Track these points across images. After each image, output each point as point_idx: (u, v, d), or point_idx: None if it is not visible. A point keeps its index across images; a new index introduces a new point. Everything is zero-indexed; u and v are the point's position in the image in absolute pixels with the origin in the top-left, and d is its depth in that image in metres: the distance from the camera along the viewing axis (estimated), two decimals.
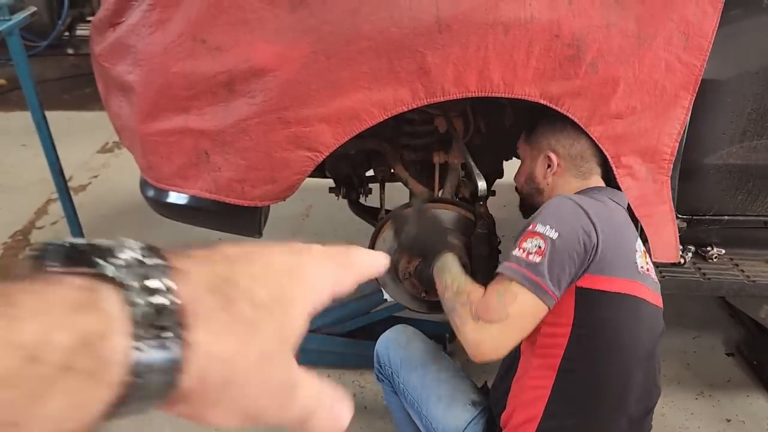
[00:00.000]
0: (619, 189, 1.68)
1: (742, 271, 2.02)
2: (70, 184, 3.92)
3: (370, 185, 2.43)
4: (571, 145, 1.65)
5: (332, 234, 3.50)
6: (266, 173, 1.68)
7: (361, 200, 2.46)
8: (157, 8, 1.60)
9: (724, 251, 2.06)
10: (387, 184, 2.34)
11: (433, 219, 1.80)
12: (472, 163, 1.84)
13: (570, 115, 1.60)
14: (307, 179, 1.75)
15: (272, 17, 1.52)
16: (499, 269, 1.44)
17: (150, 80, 1.66)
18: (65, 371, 0.30)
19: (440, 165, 2.09)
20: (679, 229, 1.88)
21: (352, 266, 0.48)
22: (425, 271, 1.72)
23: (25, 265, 0.34)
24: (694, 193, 1.90)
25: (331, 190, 2.39)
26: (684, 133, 1.73)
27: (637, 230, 1.68)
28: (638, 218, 1.73)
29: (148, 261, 0.35)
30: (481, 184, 1.77)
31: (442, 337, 2.43)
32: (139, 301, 0.33)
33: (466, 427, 1.63)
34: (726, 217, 1.95)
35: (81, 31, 6.80)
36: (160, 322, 0.33)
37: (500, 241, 1.91)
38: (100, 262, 0.34)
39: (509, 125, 2.06)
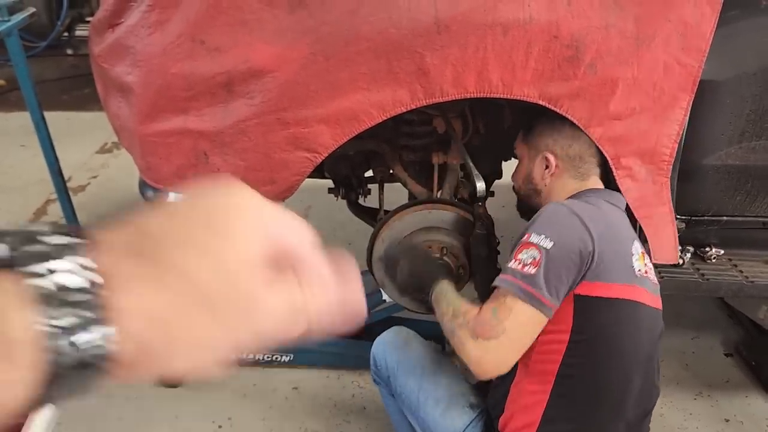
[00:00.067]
0: (618, 190, 1.68)
1: (741, 271, 2.02)
2: (69, 184, 3.92)
3: (369, 186, 2.43)
4: (569, 145, 1.64)
5: (332, 234, 3.50)
6: (265, 174, 1.68)
7: (360, 201, 2.46)
8: (155, 9, 1.60)
9: (722, 252, 2.06)
10: (386, 185, 2.34)
11: (422, 251, 1.82)
12: (471, 164, 1.84)
13: (569, 117, 1.60)
14: (307, 180, 1.75)
15: (271, 18, 1.52)
16: (496, 282, 1.45)
17: (149, 81, 1.66)
18: None
19: (439, 166, 2.09)
20: (678, 230, 1.88)
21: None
22: (426, 302, 1.72)
23: None
24: (693, 193, 1.90)
25: (330, 190, 2.39)
26: (683, 134, 1.73)
27: (636, 231, 1.68)
28: (638, 220, 1.73)
29: (56, 240, 0.35)
30: (480, 185, 1.77)
31: (441, 338, 2.43)
32: (43, 281, 0.33)
33: (464, 430, 1.63)
34: (725, 218, 1.95)
35: (80, 31, 6.79)
36: (73, 298, 0.33)
37: (499, 242, 1.91)
38: None
39: (508, 126, 2.06)
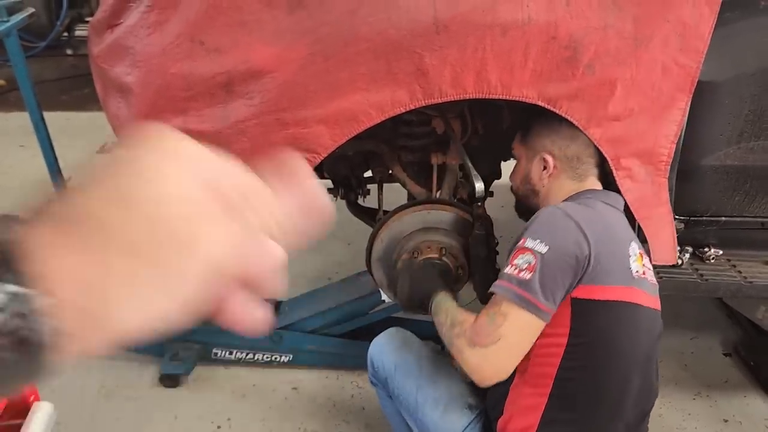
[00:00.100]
0: (617, 190, 1.68)
1: (740, 272, 2.02)
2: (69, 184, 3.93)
3: (368, 186, 2.43)
4: (566, 146, 1.64)
5: (331, 235, 3.49)
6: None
7: (360, 201, 2.46)
8: (155, 10, 1.60)
9: (721, 252, 2.06)
10: (385, 185, 2.34)
11: (420, 268, 1.83)
12: (470, 165, 1.84)
13: (568, 117, 1.60)
14: None
15: (270, 19, 1.52)
16: (492, 288, 1.45)
17: (148, 81, 1.66)
18: None
19: (438, 166, 2.09)
20: (677, 231, 1.88)
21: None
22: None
23: None
24: (692, 194, 1.90)
25: (329, 190, 2.39)
26: (681, 134, 1.74)
27: (635, 231, 1.68)
28: (638, 220, 1.73)
29: None
30: (479, 186, 1.77)
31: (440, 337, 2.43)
32: None
33: (463, 431, 1.63)
34: (723, 219, 1.95)
35: (80, 31, 6.79)
36: None
37: (498, 242, 1.91)
38: None
39: (507, 126, 2.06)
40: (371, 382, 1.92)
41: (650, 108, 1.66)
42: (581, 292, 1.40)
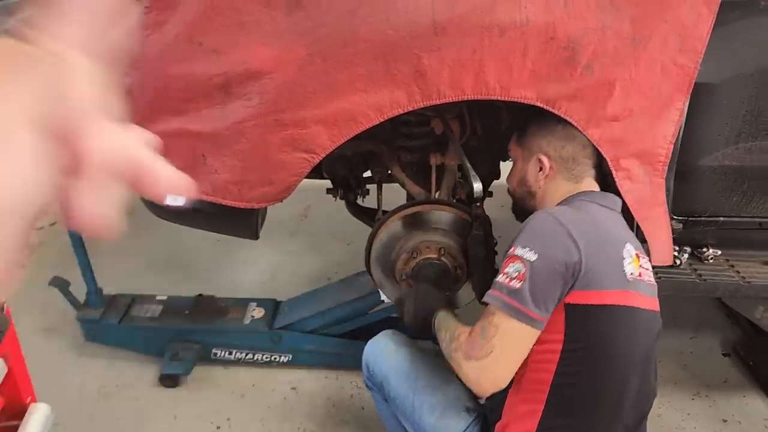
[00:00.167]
0: (615, 191, 1.68)
1: (738, 272, 2.03)
2: None
3: (368, 186, 2.44)
4: (562, 147, 1.64)
5: (330, 234, 3.50)
6: (263, 175, 1.68)
7: (359, 201, 2.46)
8: (153, 11, 1.60)
9: (719, 252, 2.06)
10: (384, 185, 2.35)
11: (424, 291, 1.84)
12: (468, 165, 1.84)
13: (567, 118, 1.60)
14: (305, 180, 1.75)
15: (269, 20, 1.52)
16: (485, 298, 1.46)
17: (146, 82, 1.66)
18: None
19: (437, 166, 2.09)
20: (675, 231, 1.89)
21: None
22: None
23: None
24: (690, 194, 1.90)
25: (328, 191, 2.40)
26: (680, 134, 1.74)
27: (634, 231, 1.68)
28: (637, 221, 1.73)
29: None
30: (477, 186, 1.77)
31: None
32: None
33: None
34: (721, 219, 1.95)
35: None
36: None
37: (497, 242, 1.91)
38: None
39: (505, 127, 2.06)
40: (366, 386, 1.91)
41: (649, 108, 1.66)
42: (574, 298, 1.39)
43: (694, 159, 1.83)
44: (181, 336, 2.50)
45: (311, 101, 1.57)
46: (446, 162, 2.08)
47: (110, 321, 2.52)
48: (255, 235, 1.95)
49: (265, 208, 1.93)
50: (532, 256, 1.39)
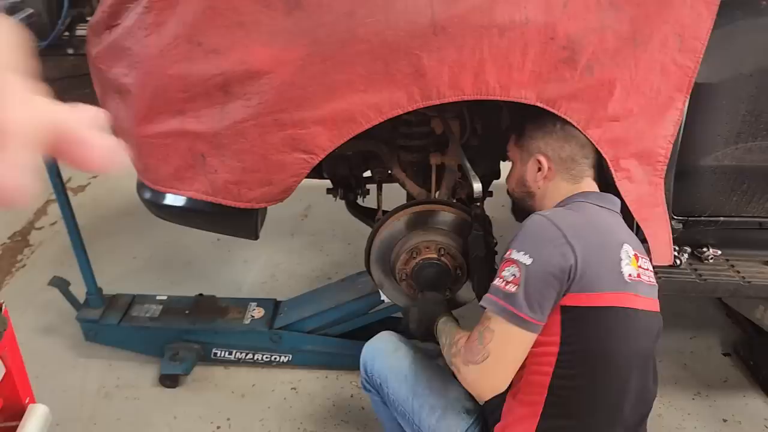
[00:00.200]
0: (615, 190, 1.68)
1: (738, 272, 2.02)
2: (69, 184, 3.94)
3: (368, 186, 2.44)
4: (560, 147, 1.63)
5: (331, 234, 3.50)
6: (262, 175, 1.68)
7: (359, 201, 2.46)
8: (152, 11, 1.60)
9: (720, 252, 2.06)
10: (384, 185, 2.35)
11: (428, 301, 1.85)
12: (468, 165, 1.84)
13: (567, 118, 1.59)
14: (306, 180, 1.75)
15: (268, 20, 1.52)
16: (482, 302, 1.47)
17: (146, 82, 1.66)
18: None
19: (437, 166, 2.09)
20: (675, 231, 1.88)
21: None
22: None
23: None
24: (690, 194, 1.90)
25: (328, 191, 2.40)
26: (679, 134, 1.74)
27: (634, 231, 1.68)
28: (638, 221, 1.73)
29: None
30: (477, 186, 1.77)
31: None
32: None
33: None
34: (721, 219, 1.95)
35: (81, 31, 6.73)
36: None
37: (497, 242, 1.91)
38: None
39: (506, 127, 2.06)
40: (364, 388, 1.90)
41: (649, 108, 1.66)
42: (570, 300, 1.39)
43: (694, 159, 1.82)
44: (181, 336, 2.50)
45: (310, 102, 1.56)
46: (446, 162, 2.08)
47: (110, 321, 2.52)
48: (255, 236, 1.95)
49: (265, 208, 1.92)
50: (527, 259, 1.40)
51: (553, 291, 1.38)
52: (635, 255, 1.50)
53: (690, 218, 1.95)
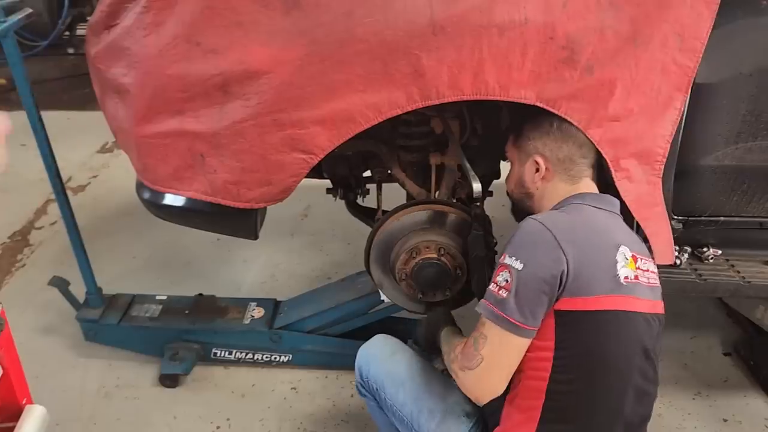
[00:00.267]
0: (614, 191, 1.67)
1: (738, 272, 2.02)
2: (69, 184, 3.94)
3: (368, 186, 2.43)
4: (558, 147, 1.62)
5: (330, 234, 3.50)
6: (261, 175, 1.68)
7: (359, 201, 2.46)
8: (151, 11, 1.60)
9: (720, 252, 2.05)
10: (384, 185, 2.34)
11: (432, 315, 1.87)
12: (467, 165, 1.84)
13: (568, 118, 1.59)
14: (305, 180, 1.75)
15: (266, 20, 1.52)
16: (477, 308, 1.48)
17: (145, 82, 1.66)
18: None
19: (437, 166, 2.09)
20: (676, 231, 1.88)
21: None
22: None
23: None
24: (690, 194, 1.89)
25: (328, 191, 2.40)
26: (679, 134, 1.73)
27: (634, 230, 1.67)
28: (639, 221, 1.72)
29: None
30: (477, 186, 1.77)
31: None
32: None
33: None
34: (722, 219, 1.95)
35: (81, 30, 6.78)
36: None
37: (497, 242, 1.90)
38: None
39: (506, 126, 2.06)
40: (360, 393, 1.87)
41: (649, 108, 1.65)
42: (564, 304, 1.38)
43: (695, 159, 1.82)
44: (181, 336, 2.50)
45: (309, 101, 1.56)
46: (446, 162, 2.07)
47: (110, 321, 2.51)
48: (254, 236, 1.95)
49: (265, 208, 1.92)
50: (518, 265, 1.39)
51: (545, 296, 1.37)
52: (633, 256, 1.48)
53: (690, 218, 1.95)
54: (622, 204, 1.66)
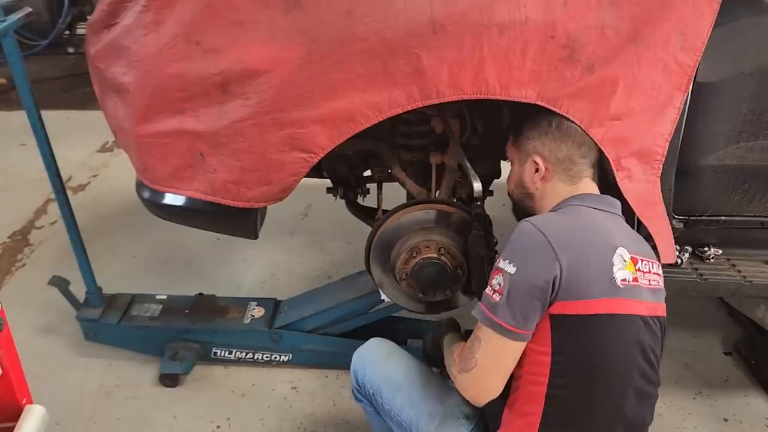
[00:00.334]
0: (614, 191, 1.66)
1: (739, 271, 2.02)
2: (69, 183, 3.95)
3: (368, 185, 2.43)
4: (557, 147, 1.60)
5: (331, 233, 3.50)
6: (261, 175, 1.68)
7: (359, 200, 2.46)
8: (151, 10, 1.60)
9: (721, 252, 2.05)
10: (384, 184, 2.34)
11: (436, 326, 1.87)
12: (468, 164, 1.83)
13: (570, 117, 1.58)
14: (306, 179, 1.75)
15: (266, 19, 1.52)
16: (473, 311, 1.47)
17: (144, 82, 1.66)
18: None
19: (437, 165, 2.08)
20: (677, 230, 1.88)
21: None
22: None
23: None
24: (691, 193, 1.89)
25: (328, 190, 2.39)
26: (680, 133, 1.73)
27: (634, 229, 1.66)
28: (641, 220, 1.72)
29: None
30: (477, 185, 1.77)
31: None
32: None
33: None
34: (723, 218, 1.95)
35: (81, 29, 6.78)
36: None
37: (497, 242, 1.90)
38: None
39: (507, 126, 2.05)
40: (355, 398, 1.86)
41: (650, 107, 1.65)
42: (559, 309, 1.37)
43: (696, 158, 1.82)
44: (181, 335, 2.50)
45: (309, 101, 1.56)
46: (446, 161, 2.07)
47: (110, 320, 2.51)
48: (254, 235, 1.94)
49: (265, 208, 1.92)
50: (511, 269, 1.39)
51: (537, 301, 1.36)
52: (633, 258, 1.46)
53: (691, 217, 1.94)
54: (624, 204, 1.65)
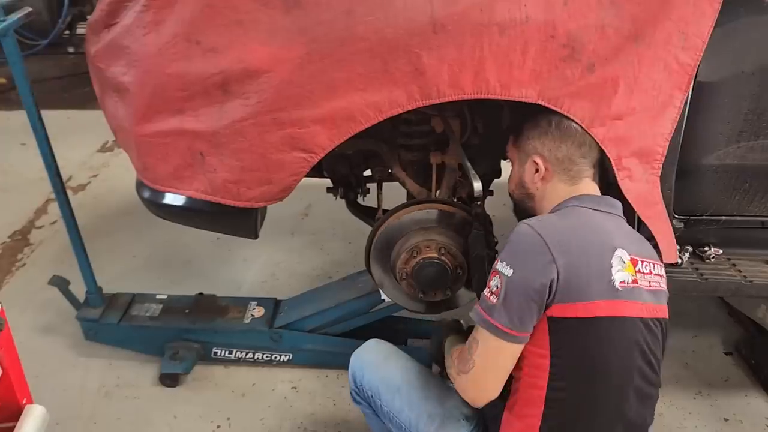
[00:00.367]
0: (615, 191, 1.66)
1: (740, 271, 2.02)
2: (69, 183, 3.94)
3: (368, 185, 2.43)
4: (556, 147, 1.59)
5: (331, 233, 3.50)
6: (261, 174, 1.68)
7: (359, 200, 2.46)
8: (151, 9, 1.60)
9: (721, 251, 2.05)
10: (384, 184, 2.34)
11: (439, 328, 1.87)
12: (468, 164, 1.83)
13: (571, 116, 1.57)
14: (306, 179, 1.75)
15: (266, 18, 1.51)
16: (470, 313, 1.48)
17: (144, 81, 1.66)
18: None
19: (437, 165, 2.08)
20: (677, 230, 1.87)
21: None
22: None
23: None
24: (692, 193, 1.89)
25: (329, 190, 2.39)
26: (681, 133, 1.73)
27: (635, 228, 1.66)
28: (643, 220, 1.71)
29: None
30: (477, 185, 1.76)
31: None
32: None
33: None
34: (723, 218, 1.94)
35: (81, 29, 6.78)
36: None
37: (497, 241, 1.90)
38: None
39: (507, 125, 2.05)
40: (354, 401, 1.86)
41: (651, 106, 1.64)
42: (557, 311, 1.36)
43: (696, 157, 1.82)
44: (181, 335, 2.50)
45: (309, 100, 1.56)
46: (447, 161, 2.07)
47: (110, 320, 2.51)
48: (255, 235, 1.94)
49: (265, 208, 1.92)
50: (508, 271, 1.38)
51: (534, 304, 1.36)
52: (632, 260, 1.45)
53: (692, 217, 1.94)
54: (625, 205, 1.64)
